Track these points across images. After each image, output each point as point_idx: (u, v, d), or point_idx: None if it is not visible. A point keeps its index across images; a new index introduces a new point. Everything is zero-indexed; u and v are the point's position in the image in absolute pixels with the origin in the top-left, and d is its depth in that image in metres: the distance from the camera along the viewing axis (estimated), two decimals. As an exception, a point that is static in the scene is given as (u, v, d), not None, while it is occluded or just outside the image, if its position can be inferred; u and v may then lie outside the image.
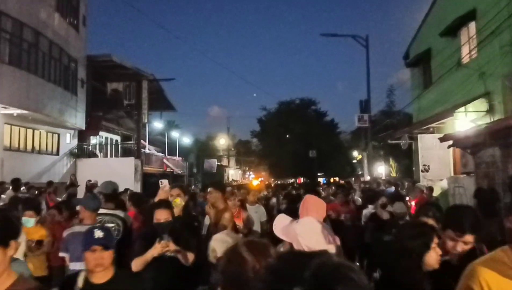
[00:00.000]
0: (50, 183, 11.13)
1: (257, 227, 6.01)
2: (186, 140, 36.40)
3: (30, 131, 15.34)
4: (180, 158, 30.53)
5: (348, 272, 0.92)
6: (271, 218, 6.06)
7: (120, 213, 4.37)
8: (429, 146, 13.14)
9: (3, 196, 9.09)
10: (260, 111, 45.14)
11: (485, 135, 8.59)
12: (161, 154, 26.98)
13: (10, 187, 9.62)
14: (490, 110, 11.02)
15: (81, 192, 10.81)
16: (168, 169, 25.34)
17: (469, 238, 2.35)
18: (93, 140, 20.37)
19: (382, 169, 26.49)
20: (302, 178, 40.33)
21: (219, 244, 2.25)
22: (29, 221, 4.60)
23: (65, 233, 3.92)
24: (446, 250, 2.39)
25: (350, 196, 9.75)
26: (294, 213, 2.47)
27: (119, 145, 22.98)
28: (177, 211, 3.94)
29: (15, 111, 13.34)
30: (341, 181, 27.48)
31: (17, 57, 13.40)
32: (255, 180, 36.32)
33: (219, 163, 44.79)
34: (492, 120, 10.26)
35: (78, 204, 4.39)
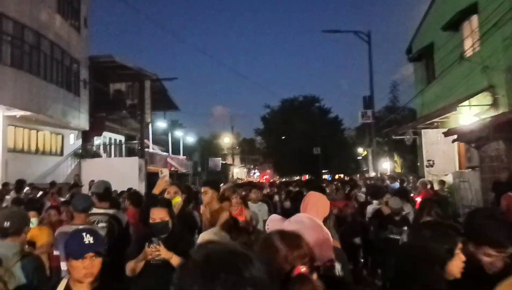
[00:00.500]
0: (53, 183, 11.15)
1: (260, 225, 5.97)
2: (190, 139, 36.38)
3: (34, 132, 15.38)
4: (185, 157, 30.52)
5: (236, 261, 0.92)
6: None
7: (114, 212, 4.33)
8: (433, 141, 13.06)
9: (7, 197, 9.13)
10: (264, 109, 45.17)
11: (489, 129, 8.53)
12: (165, 153, 26.99)
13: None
14: (494, 104, 10.92)
15: (85, 193, 10.81)
16: (173, 168, 25.36)
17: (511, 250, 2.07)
18: (97, 140, 20.38)
19: (387, 165, 26.40)
20: (307, 175, 40.28)
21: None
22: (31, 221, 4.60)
23: (56, 233, 3.94)
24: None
25: (352, 192, 9.72)
26: (298, 212, 2.41)
27: (123, 145, 23.00)
28: (175, 210, 3.85)
29: (18, 113, 13.37)
30: (346, 178, 27.40)
31: (19, 59, 13.41)
32: (261, 178, 36.28)
33: (224, 162, 44.75)
34: (496, 114, 10.17)
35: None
